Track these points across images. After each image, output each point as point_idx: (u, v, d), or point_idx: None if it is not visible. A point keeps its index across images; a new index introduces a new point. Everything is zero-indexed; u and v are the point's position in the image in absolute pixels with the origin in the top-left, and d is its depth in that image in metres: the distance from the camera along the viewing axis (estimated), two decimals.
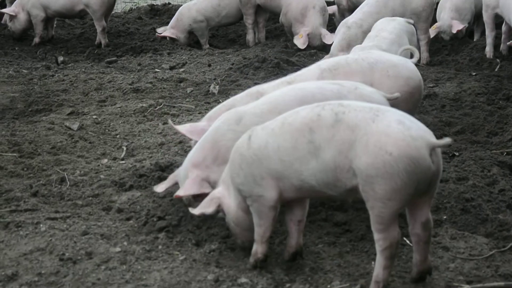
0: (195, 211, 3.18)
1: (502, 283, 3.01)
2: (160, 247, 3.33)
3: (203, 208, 3.17)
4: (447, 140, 2.79)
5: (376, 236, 2.83)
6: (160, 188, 3.62)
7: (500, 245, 3.40)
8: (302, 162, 2.92)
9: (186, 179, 3.45)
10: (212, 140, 3.44)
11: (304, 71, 3.84)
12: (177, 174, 3.58)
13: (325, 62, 3.86)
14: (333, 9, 7.26)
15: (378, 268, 2.86)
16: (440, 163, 2.82)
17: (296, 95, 3.35)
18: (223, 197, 3.18)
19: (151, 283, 3.01)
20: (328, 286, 3.02)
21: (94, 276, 3.07)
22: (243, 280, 3.02)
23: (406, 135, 2.70)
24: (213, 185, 3.40)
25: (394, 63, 3.84)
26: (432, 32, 6.14)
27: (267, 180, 3.02)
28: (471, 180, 4.07)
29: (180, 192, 3.40)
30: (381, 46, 4.37)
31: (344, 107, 2.85)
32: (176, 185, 3.65)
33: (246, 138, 3.05)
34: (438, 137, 4.62)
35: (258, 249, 3.14)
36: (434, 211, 3.63)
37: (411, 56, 4.24)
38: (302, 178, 2.92)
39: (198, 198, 3.41)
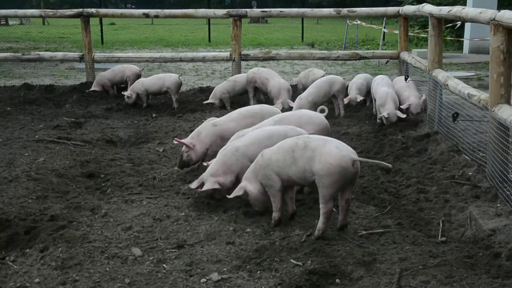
0: (231, 196, 4.25)
1: (382, 230, 4.09)
2: (205, 212, 4.41)
3: (235, 193, 4.24)
4: (360, 159, 3.87)
5: (321, 206, 3.82)
6: (193, 185, 4.64)
7: (382, 211, 4.51)
8: (289, 167, 3.92)
9: (207, 181, 4.53)
10: (222, 160, 4.59)
11: (265, 121, 5.17)
12: (202, 177, 4.63)
13: (276, 116, 5.21)
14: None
15: (320, 223, 3.86)
16: (359, 169, 3.84)
17: (265, 133, 4.67)
18: (247, 186, 4.21)
19: (200, 231, 4.08)
20: (292, 233, 4.00)
21: (171, 228, 4.15)
22: (248, 230, 4.07)
23: (339, 154, 3.74)
24: (221, 185, 4.54)
25: (310, 115, 5.18)
26: (345, 100, 7.98)
27: (273, 176, 4.04)
28: (366, 177, 5.28)
29: (204, 188, 4.50)
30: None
31: (310, 139, 3.92)
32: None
33: (261, 155, 4.15)
34: None
35: (275, 215, 4.12)
36: None
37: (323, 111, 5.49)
38: (289, 175, 3.94)
39: (213, 191, 4.54)
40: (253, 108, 5.72)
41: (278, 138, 4.44)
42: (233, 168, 4.55)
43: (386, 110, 7.28)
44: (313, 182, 3.87)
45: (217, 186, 4.47)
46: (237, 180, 4.55)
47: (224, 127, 5.35)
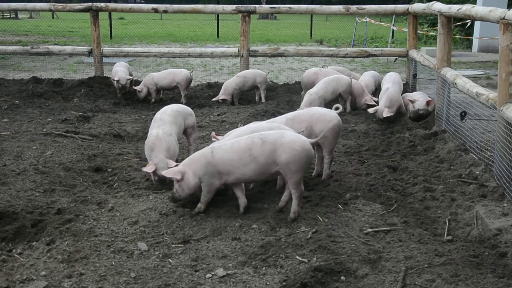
0: (166, 174, 4.29)
1: (388, 228, 4.10)
2: (211, 208, 4.42)
3: (172, 174, 4.26)
4: (314, 140, 4.12)
5: (293, 192, 4.10)
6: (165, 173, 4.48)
7: (388, 209, 4.57)
8: (246, 166, 4.11)
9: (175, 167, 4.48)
10: (197, 154, 4.43)
11: (277, 118, 5.24)
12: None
13: (289, 114, 5.24)
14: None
15: (294, 206, 4.14)
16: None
17: (249, 130, 4.67)
18: (186, 174, 4.24)
19: (206, 227, 4.12)
20: (298, 230, 4.00)
21: (177, 223, 4.17)
22: (254, 226, 4.11)
23: (301, 140, 4.02)
24: (184, 179, 4.33)
25: (323, 113, 5.14)
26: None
27: (217, 175, 4.17)
28: (373, 174, 5.39)
29: (165, 172, 4.43)
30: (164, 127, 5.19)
31: (264, 135, 4.12)
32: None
33: (210, 152, 4.18)
34: (356, 153, 5.98)
35: (201, 207, 4.32)
36: (354, 190, 4.81)
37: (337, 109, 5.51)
38: (244, 173, 4.12)
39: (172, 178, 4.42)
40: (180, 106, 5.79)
41: None
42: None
43: (377, 107, 7.69)
44: (273, 175, 4.13)
45: (178, 177, 4.31)
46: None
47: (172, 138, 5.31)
